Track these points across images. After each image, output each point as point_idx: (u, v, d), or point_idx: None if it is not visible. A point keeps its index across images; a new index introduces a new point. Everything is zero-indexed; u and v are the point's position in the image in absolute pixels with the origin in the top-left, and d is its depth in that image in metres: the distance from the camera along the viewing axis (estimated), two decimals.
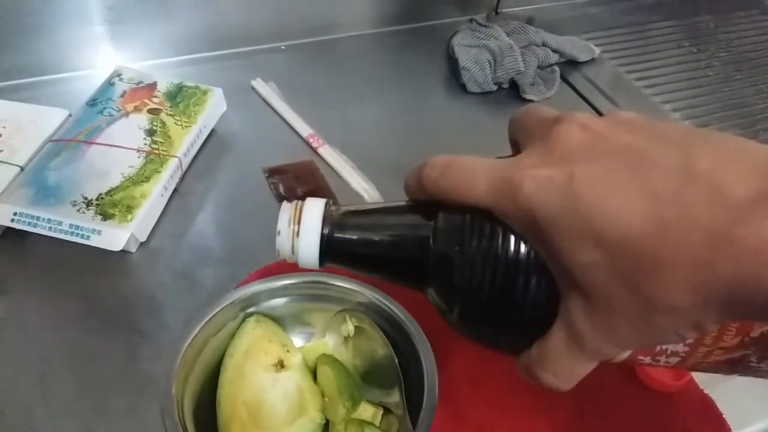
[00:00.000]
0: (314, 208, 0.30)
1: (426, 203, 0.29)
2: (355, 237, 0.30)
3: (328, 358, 0.38)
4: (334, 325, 0.39)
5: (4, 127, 0.52)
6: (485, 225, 0.26)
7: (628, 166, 0.23)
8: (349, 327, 0.38)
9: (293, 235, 0.30)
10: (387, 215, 0.31)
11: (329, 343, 0.40)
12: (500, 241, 0.26)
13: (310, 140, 0.58)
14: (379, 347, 0.37)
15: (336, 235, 0.30)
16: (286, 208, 0.30)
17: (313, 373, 0.38)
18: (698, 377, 0.41)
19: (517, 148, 0.28)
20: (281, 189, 0.53)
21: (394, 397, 0.36)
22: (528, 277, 0.26)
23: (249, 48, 0.69)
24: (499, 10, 0.80)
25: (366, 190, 0.53)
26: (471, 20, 0.71)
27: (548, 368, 0.26)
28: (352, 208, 0.31)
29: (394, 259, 0.30)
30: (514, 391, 0.40)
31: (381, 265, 0.31)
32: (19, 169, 0.49)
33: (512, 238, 0.26)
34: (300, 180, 0.54)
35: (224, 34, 0.68)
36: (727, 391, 0.40)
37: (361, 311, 0.38)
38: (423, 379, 0.34)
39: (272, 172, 0.54)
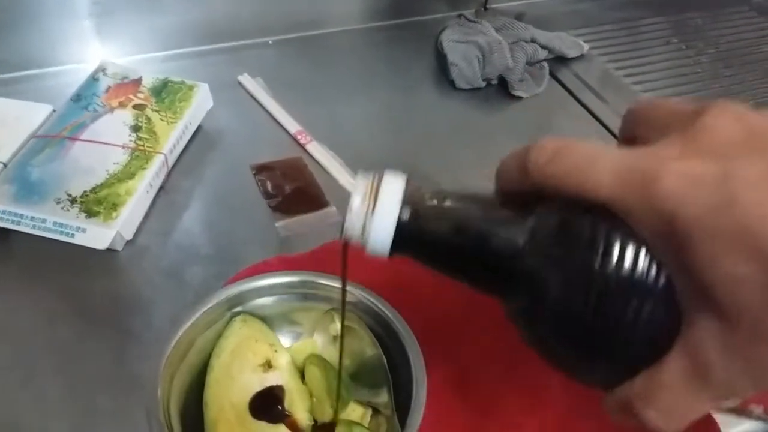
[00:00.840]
0: (394, 185, 0.26)
1: (525, 196, 0.25)
2: (436, 229, 0.26)
3: (316, 358, 0.38)
4: (323, 324, 0.39)
5: None
6: (598, 227, 0.22)
7: None
8: (338, 326, 0.38)
9: (367, 213, 0.25)
10: (476, 207, 0.26)
11: (317, 343, 0.39)
12: (616, 250, 0.22)
13: (298, 137, 0.57)
14: (368, 347, 0.37)
15: (415, 222, 0.25)
16: (362, 180, 0.26)
17: (301, 373, 0.38)
18: None
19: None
20: (269, 186, 0.52)
21: (383, 398, 0.36)
22: (644, 299, 0.22)
23: (236, 43, 0.69)
24: (488, 6, 0.79)
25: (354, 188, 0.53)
26: (460, 16, 0.71)
27: (656, 404, 0.22)
28: (436, 192, 0.26)
29: (478, 262, 0.26)
30: (504, 393, 0.40)
31: (461, 265, 0.27)
32: (1, 165, 0.48)
33: (631, 247, 0.21)
34: (288, 177, 0.53)
35: (211, 29, 0.67)
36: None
37: (349, 310, 0.38)
38: (412, 380, 0.34)
39: (260, 169, 0.54)
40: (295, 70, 0.67)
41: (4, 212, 0.45)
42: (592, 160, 0.22)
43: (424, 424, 0.32)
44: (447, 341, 0.42)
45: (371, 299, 0.38)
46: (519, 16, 0.75)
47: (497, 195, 0.26)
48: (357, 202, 0.25)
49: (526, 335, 0.26)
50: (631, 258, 0.21)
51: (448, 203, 0.26)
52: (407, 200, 0.25)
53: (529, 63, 0.68)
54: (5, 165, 0.48)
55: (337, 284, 0.38)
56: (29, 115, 0.53)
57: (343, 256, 0.30)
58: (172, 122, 0.53)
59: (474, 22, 0.69)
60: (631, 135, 0.25)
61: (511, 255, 0.25)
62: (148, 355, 0.40)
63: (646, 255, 0.21)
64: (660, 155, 0.21)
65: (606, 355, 0.24)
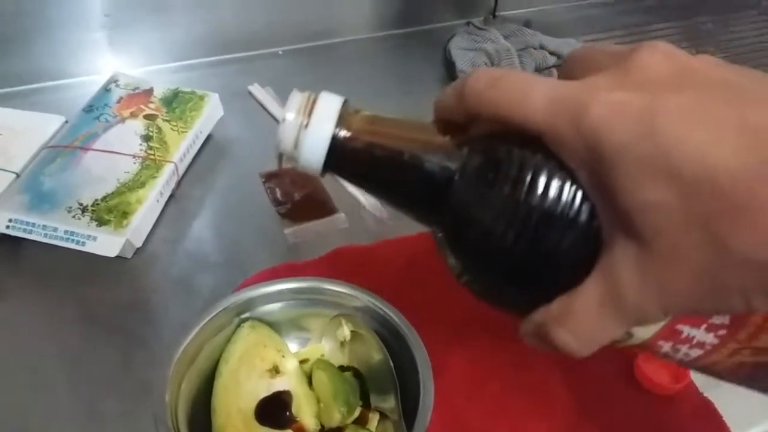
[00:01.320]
0: (330, 103, 0.26)
1: (458, 128, 0.25)
2: (370, 148, 0.26)
3: (324, 364, 0.38)
4: (330, 330, 0.39)
5: (1, 134, 0.52)
6: (526, 159, 0.23)
7: (722, 100, 0.20)
8: (345, 332, 0.38)
9: (300, 127, 0.25)
10: (412, 132, 0.26)
11: (325, 348, 0.39)
12: (541, 181, 0.22)
13: None
14: (375, 352, 0.37)
15: (349, 139, 0.25)
16: (297, 96, 0.26)
17: (309, 379, 0.38)
18: (697, 380, 0.41)
19: None
20: (278, 194, 0.53)
21: (390, 402, 0.35)
22: (567, 229, 0.22)
23: (246, 53, 0.69)
24: (496, 14, 0.80)
25: (363, 195, 0.53)
26: (468, 23, 0.71)
27: (569, 326, 0.23)
28: (373, 116, 0.27)
29: (408, 186, 0.26)
30: (511, 396, 0.40)
31: (392, 188, 0.27)
32: (14, 175, 0.49)
33: (557, 178, 0.22)
34: (297, 185, 0.54)
35: (221, 40, 0.68)
36: (726, 395, 0.40)
37: (357, 316, 0.38)
38: (419, 384, 0.34)
39: (269, 177, 0.54)
40: (305, 79, 0.68)
41: (16, 221, 0.45)
42: (527, 89, 0.22)
43: (431, 429, 0.32)
44: (454, 344, 0.42)
45: (378, 304, 0.38)
46: (527, 24, 0.75)
47: (434, 124, 0.27)
48: (291, 116, 0.25)
49: (451, 264, 0.26)
50: (556, 189, 0.22)
51: (384, 126, 0.26)
52: (343, 119, 0.26)
53: (538, 69, 0.68)
54: (18, 175, 0.49)
55: (344, 290, 0.39)
56: (42, 126, 0.53)
57: (278, 165, 0.29)
58: (182, 132, 0.53)
59: (482, 29, 0.69)
60: (569, 75, 0.25)
61: (440, 181, 0.25)
62: (156, 362, 0.40)
63: (571, 186, 0.22)
64: (592, 86, 0.21)
65: (527, 283, 0.24)
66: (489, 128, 0.25)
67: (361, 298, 0.38)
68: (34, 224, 0.45)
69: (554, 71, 0.69)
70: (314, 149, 0.25)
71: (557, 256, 0.23)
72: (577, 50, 0.25)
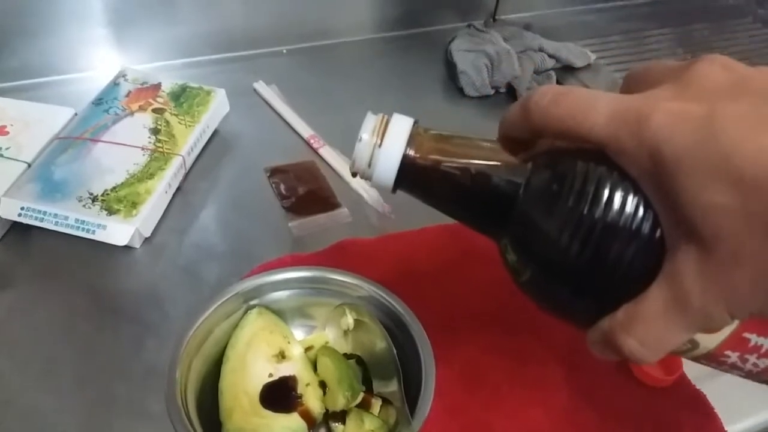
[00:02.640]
0: (402, 124, 0.27)
1: (523, 144, 0.26)
2: (439, 166, 0.27)
3: (328, 350, 0.39)
4: (334, 318, 0.40)
5: (12, 125, 0.53)
6: (590, 172, 0.23)
7: None
8: (349, 320, 0.39)
9: (374, 146, 0.27)
10: (478, 150, 0.28)
11: (329, 336, 0.41)
12: (605, 193, 0.23)
13: (311, 141, 0.59)
14: (378, 340, 0.38)
15: (419, 158, 0.27)
16: (372, 118, 0.28)
17: (314, 365, 0.39)
18: (690, 373, 0.42)
19: None
20: (282, 188, 0.54)
21: (393, 388, 0.37)
22: (631, 239, 0.23)
23: (252, 51, 0.71)
24: (496, 16, 0.81)
25: (366, 190, 0.54)
26: (469, 26, 0.73)
27: (636, 333, 0.23)
28: (441, 135, 0.28)
29: (476, 201, 0.27)
30: (511, 385, 0.41)
31: (460, 203, 0.28)
32: (26, 165, 0.50)
33: (620, 191, 0.23)
34: (301, 180, 0.55)
35: (227, 38, 0.69)
36: (718, 387, 0.41)
37: (360, 305, 0.39)
38: (421, 371, 0.35)
39: (274, 172, 0.55)
40: (309, 77, 0.69)
41: (28, 209, 0.46)
42: (590, 102, 0.23)
43: (432, 414, 0.33)
44: (456, 335, 0.43)
45: (382, 294, 0.39)
46: (527, 27, 0.77)
47: (500, 141, 0.28)
48: (366, 136, 0.27)
49: (516, 276, 0.27)
50: (619, 200, 0.23)
51: (451, 144, 0.28)
52: (414, 139, 0.27)
53: (537, 72, 0.69)
54: (29, 165, 0.50)
55: (349, 280, 0.40)
56: (52, 118, 0.54)
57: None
58: (190, 126, 0.55)
59: (483, 31, 0.70)
60: (630, 92, 0.26)
61: (506, 195, 0.26)
62: (164, 347, 0.41)
63: (633, 196, 0.23)
64: (652, 98, 0.22)
65: (593, 294, 0.25)
66: (552, 144, 0.26)
67: (366, 287, 0.39)
68: (45, 212, 0.46)
69: (552, 74, 0.70)
70: (387, 167, 0.27)
71: (622, 265, 0.23)
72: (636, 68, 0.26)
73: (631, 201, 0.23)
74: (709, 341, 0.25)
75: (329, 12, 0.73)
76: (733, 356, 0.25)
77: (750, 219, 0.20)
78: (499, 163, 0.27)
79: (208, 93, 0.58)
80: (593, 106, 0.23)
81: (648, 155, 0.22)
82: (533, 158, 0.26)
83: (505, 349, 0.42)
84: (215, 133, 0.59)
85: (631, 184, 0.23)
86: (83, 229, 0.46)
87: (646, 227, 0.23)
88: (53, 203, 0.46)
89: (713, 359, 0.26)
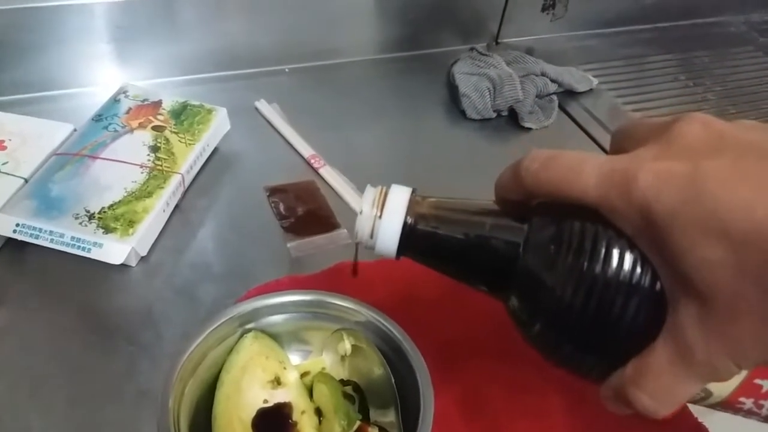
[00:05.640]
0: (400, 195, 0.29)
1: (519, 205, 0.27)
2: (438, 232, 0.28)
3: (325, 377, 0.38)
4: (332, 343, 0.40)
5: (10, 140, 0.52)
6: (587, 230, 0.24)
7: (758, 159, 0.21)
8: (346, 346, 0.39)
9: (375, 218, 0.28)
10: (476, 213, 0.29)
11: (326, 362, 0.40)
12: (603, 250, 0.24)
13: (312, 161, 0.59)
14: (376, 367, 0.37)
15: (419, 226, 0.28)
16: (371, 191, 0.29)
17: (310, 391, 0.38)
18: (692, 405, 0.41)
19: None
20: (282, 208, 0.53)
21: (390, 417, 0.36)
22: (632, 294, 0.23)
23: (254, 70, 0.71)
24: (499, 40, 0.81)
25: None
26: (472, 49, 0.73)
27: (646, 388, 0.24)
28: (439, 201, 0.29)
29: (477, 263, 0.28)
30: (510, 415, 0.40)
31: (461, 266, 0.29)
32: (23, 181, 0.49)
33: (617, 246, 0.24)
34: (301, 199, 0.54)
35: (230, 56, 0.69)
36: (720, 419, 0.40)
37: (358, 330, 0.39)
38: (419, 400, 0.34)
39: (273, 191, 0.55)
40: (310, 97, 0.69)
41: (23, 226, 0.46)
42: (579, 166, 0.24)
43: None
44: (455, 362, 0.42)
45: (380, 320, 0.38)
46: (529, 51, 0.77)
47: (496, 202, 0.29)
48: (367, 209, 0.28)
49: (524, 333, 0.27)
50: (617, 256, 0.24)
51: (450, 210, 0.29)
52: (412, 207, 0.28)
53: (539, 96, 0.69)
54: (26, 180, 0.49)
55: (347, 304, 0.39)
56: (51, 134, 0.54)
57: (355, 255, 0.34)
58: (190, 144, 0.54)
59: (485, 55, 0.70)
60: (618, 150, 0.27)
61: (507, 258, 0.27)
62: (157, 369, 0.40)
63: (631, 252, 0.23)
64: (638, 158, 0.23)
65: (599, 349, 0.25)
66: (548, 203, 0.26)
67: (364, 313, 0.39)
68: (41, 229, 0.46)
69: (554, 98, 0.70)
70: (388, 238, 0.28)
71: (626, 319, 0.24)
72: (622, 125, 0.27)
73: (629, 257, 0.23)
74: (721, 390, 0.25)
75: (332, 32, 0.73)
76: (748, 402, 0.26)
77: (742, 272, 0.20)
78: (496, 225, 0.28)
79: (209, 111, 0.58)
80: (582, 170, 0.24)
81: (639, 214, 0.22)
82: (529, 219, 0.27)
83: (504, 378, 0.42)
84: (215, 151, 0.58)
85: (627, 241, 0.24)
86: (79, 247, 0.45)
87: (646, 281, 0.23)
88: (49, 220, 0.46)
89: (729, 406, 0.26)
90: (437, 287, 0.46)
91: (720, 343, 0.22)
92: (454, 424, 0.39)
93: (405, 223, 0.28)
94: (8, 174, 0.49)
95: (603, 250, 0.24)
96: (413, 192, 0.29)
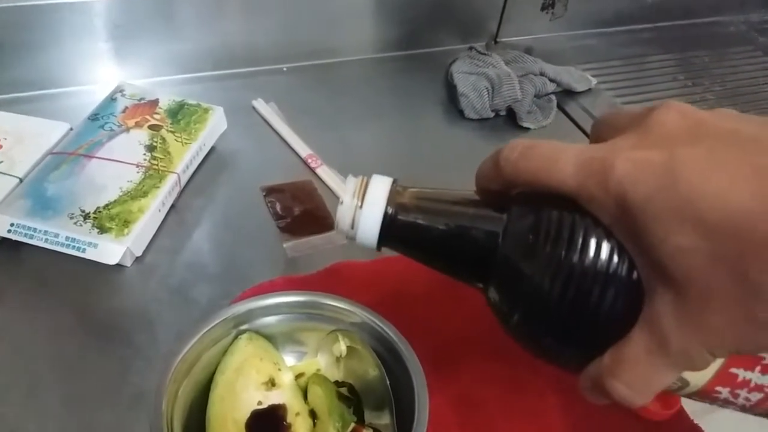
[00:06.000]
0: (381, 185, 0.28)
1: (499, 195, 0.27)
2: (419, 222, 0.28)
3: (320, 378, 0.38)
4: (327, 344, 0.39)
5: (5, 139, 0.52)
6: (565, 220, 0.24)
7: (735, 148, 0.21)
8: (342, 347, 0.38)
9: (356, 209, 0.28)
10: (456, 204, 0.29)
11: (321, 363, 0.40)
12: (580, 240, 0.24)
13: (309, 160, 0.58)
14: (371, 368, 0.37)
15: (400, 216, 0.28)
16: (352, 180, 0.29)
17: (304, 393, 0.38)
18: (688, 408, 0.41)
19: None
20: (278, 208, 0.53)
21: (385, 419, 0.36)
22: (609, 283, 0.23)
23: (251, 69, 0.70)
24: (498, 39, 0.81)
25: None
26: (470, 48, 0.72)
27: (623, 377, 0.24)
28: (419, 191, 0.29)
29: (456, 253, 0.28)
30: (506, 416, 0.40)
31: (441, 256, 0.29)
32: (18, 180, 0.49)
33: (595, 237, 0.24)
34: (297, 199, 0.54)
35: (227, 55, 0.69)
36: (716, 421, 0.40)
37: (353, 331, 0.38)
38: (414, 402, 0.34)
39: (270, 191, 0.55)
40: (308, 96, 0.69)
41: (18, 226, 0.46)
42: (557, 155, 0.24)
43: None
44: (450, 362, 0.42)
45: (376, 321, 0.38)
46: (528, 50, 0.77)
47: (477, 192, 0.29)
48: (347, 199, 0.28)
49: (503, 322, 0.27)
50: (594, 246, 0.24)
51: (430, 200, 0.29)
52: (393, 198, 0.28)
53: (538, 95, 0.69)
54: (21, 180, 0.49)
55: (342, 305, 0.39)
56: (47, 132, 0.54)
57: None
58: (186, 143, 0.54)
59: (484, 54, 0.70)
60: (597, 139, 0.27)
61: (486, 248, 0.27)
62: (151, 370, 0.40)
63: (608, 241, 0.23)
64: (615, 147, 0.23)
65: (577, 339, 0.25)
66: (527, 192, 0.26)
67: (359, 314, 0.38)
68: (35, 229, 0.45)
69: (553, 98, 0.70)
70: (369, 228, 0.28)
71: (603, 309, 0.24)
72: (602, 116, 0.28)
73: (606, 246, 0.23)
74: (698, 379, 0.25)
75: (330, 31, 0.73)
76: (724, 392, 0.26)
77: (716, 260, 0.20)
78: (476, 215, 0.28)
79: (206, 110, 0.58)
80: (560, 159, 0.24)
81: (615, 203, 0.22)
82: (508, 208, 0.27)
83: (500, 378, 0.42)
84: (212, 150, 0.58)
85: (604, 231, 0.24)
86: (74, 247, 0.45)
87: (623, 271, 0.23)
88: (44, 220, 0.46)
89: (706, 396, 0.26)
90: (433, 288, 0.46)
91: (694, 331, 0.22)
92: (449, 426, 0.39)
93: (386, 213, 0.28)
94: (3, 173, 0.49)
95: (580, 240, 0.24)
96: (394, 182, 0.29)
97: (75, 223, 0.46)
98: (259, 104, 0.65)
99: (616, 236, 0.23)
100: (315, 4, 0.70)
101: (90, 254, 0.45)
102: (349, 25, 0.74)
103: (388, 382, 0.36)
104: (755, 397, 0.25)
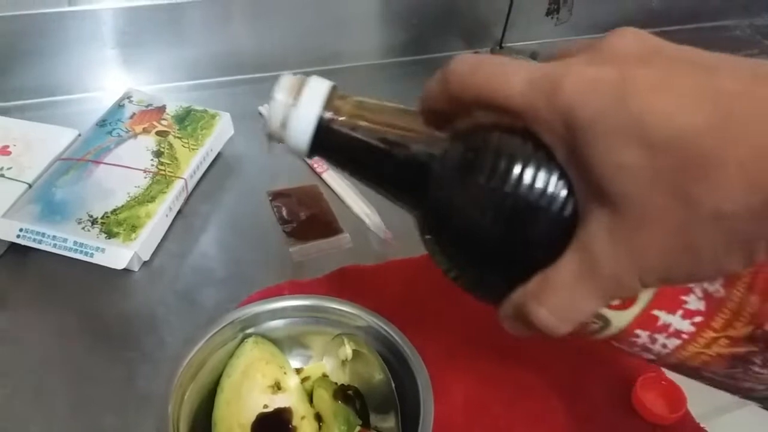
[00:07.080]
0: (320, 86, 0.26)
1: (444, 117, 0.26)
2: (354, 133, 0.26)
3: (325, 382, 0.38)
4: (332, 348, 0.40)
5: (15, 145, 0.53)
6: (503, 143, 0.23)
7: (691, 72, 0.21)
8: (347, 351, 0.39)
9: (288, 107, 0.26)
10: (398, 119, 0.27)
11: (327, 367, 0.40)
12: (518, 163, 0.23)
13: (315, 165, 0.59)
14: (377, 372, 0.37)
15: (335, 123, 0.26)
16: (288, 78, 0.26)
17: (310, 396, 0.38)
18: (694, 411, 0.41)
19: None
20: (284, 212, 0.53)
21: (390, 422, 0.36)
22: (544, 209, 0.23)
23: (258, 75, 0.71)
24: (503, 44, 0.81)
25: (368, 216, 0.53)
26: (476, 53, 0.73)
27: (547, 302, 0.23)
28: (361, 101, 0.27)
29: (391, 171, 0.27)
30: (511, 419, 0.40)
31: (375, 172, 0.27)
32: (27, 186, 0.50)
33: (534, 161, 0.23)
34: (303, 204, 0.54)
35: (234, 61, 0.70)
36: (723, 426, 0.40)
37: (359, 335, 0.39)
38: (419, 405, 0.34)
39: (276, 196, 0.55)
40: None
41: (27, 230, 0.46)
42: (507, 71, 0.23)
43: None
44: (456, 365, 0.42)
45: (382, 325, 0.38)
46: (533, 55, 0.77)
47: (422, 114, 0.27)
48: (281, 95, 0.26)
49: (432, 249, 0.26)
50: (532, 171, 0.23)
51: (370, 111, 0.27)
52: (331, 102, 0.26)
53: None
54: (30, 185, 0.50)
55: (348, 309, 0.39)
56: (55, 139, 0.54)
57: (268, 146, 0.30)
58: (193, 149, 0.54)
59: None
60: None
61: (421, 168, 0.25)
62: (158, 374, 0.40)
63: (548, 167, 0.23)
64: (567, 65, 0.22)
65: (505, 266, 0.24)
66: (472, 119, 0.25)
67: (365, 317, 0.39)
68: (44, 234, 0.46)
69: None
70: (301, 129, 0.26)
71: (534, 236, 0.23)
72: (560, 48, 0.27)
73: (544, 172, 0.23)
74: (620, 319, 0.25)
75: (336, 37, 0.73)
76: (644, 335, 0.25)
77: (657, 179, 0.20)
78: (415, 135, 0.26)
79: (213, 116, 0.58)
80: (510, 75, 0.23)
81: (561, 121, 0.22)
82: (450, 131, 0.25)
83: (505, 381, 0.42)
84: (218, 155, 0.59)
85: (545, 155, 0.23)
86: (82, 252, 0.46)
87: (559, 197, 0.23)
88: (52, 225, 0.46)
89: (624, 339, 0.25)
90: (438, 292, 0.46)
91: (627, 253, 0.21)
92: (454, 429, 0.39)
93: (321, 118, 0.26)
94: (12, 179, 0.50)
95: (518, 165, 0.23)
96: (334, 87, 0.27)
97: (83, 228, 0.46)
98: (266, 110, 0.65)
99: (557, 159, 0.23)
100: (321, 11, 0.70)
101: (98, 259, 0.46)
102: (355, 31, 0.74)
103: (393, 386, 0.36)
104: (672, 343, 0.25)
